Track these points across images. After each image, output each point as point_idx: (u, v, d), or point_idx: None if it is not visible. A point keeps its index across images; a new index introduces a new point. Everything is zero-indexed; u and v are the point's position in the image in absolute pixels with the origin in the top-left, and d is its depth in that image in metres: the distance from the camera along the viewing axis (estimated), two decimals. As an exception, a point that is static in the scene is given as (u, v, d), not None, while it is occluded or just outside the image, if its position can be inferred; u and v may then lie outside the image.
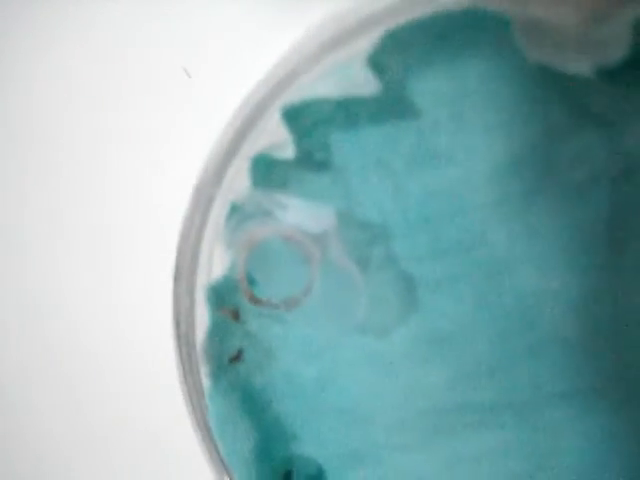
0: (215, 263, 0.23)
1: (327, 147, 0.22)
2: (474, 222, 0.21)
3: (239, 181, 0.22)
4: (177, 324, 0.23)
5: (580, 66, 0.19)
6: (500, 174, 0.21)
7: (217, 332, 0.23)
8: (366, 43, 0.20)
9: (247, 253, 0.21)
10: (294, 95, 0.21)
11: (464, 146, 0.21)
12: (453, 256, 0.22)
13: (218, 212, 0.22)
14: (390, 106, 0.21)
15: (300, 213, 0.21)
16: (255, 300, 0.21)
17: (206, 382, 0.23)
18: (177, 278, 0.23)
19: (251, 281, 0.22)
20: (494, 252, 0.21)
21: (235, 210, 0.22)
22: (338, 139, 0.22)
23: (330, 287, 0.21)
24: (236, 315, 0.23)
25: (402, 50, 0.20)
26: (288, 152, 0.21)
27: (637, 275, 0.21)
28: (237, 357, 0.23)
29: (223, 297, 0.23)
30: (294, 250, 0.21)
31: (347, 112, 0.21)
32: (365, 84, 0.20)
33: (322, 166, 0.22)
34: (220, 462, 0.23)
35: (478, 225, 0.21)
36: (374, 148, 0.22)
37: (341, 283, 0.21)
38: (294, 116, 0.21)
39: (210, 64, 0.23)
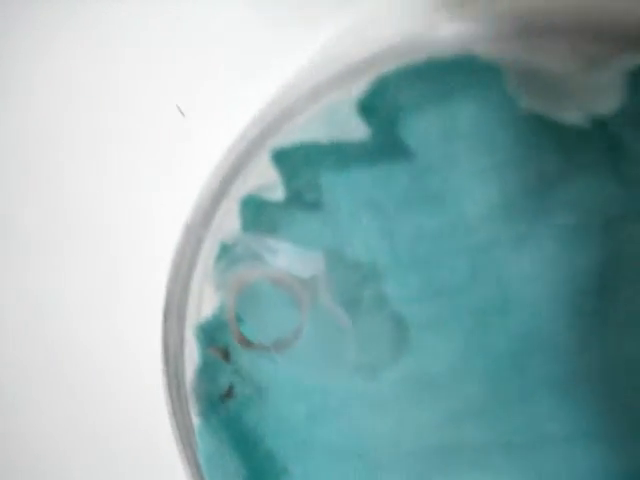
0: (204, 302, 0.23)
1: (317, 187, 0.22)
2: (466, 264, 0.21)
3: (229, 222, 0.22)
4: (167, 362, 0.23)
5: (574, 115, 0.19)
6: (492, 217, 0.21)
7: (207, 370, 0.23)
8: (356, 87, 0.20)
9: (236, 294, 0.21)
10: (284, 138, 0.20)
11: (456, 188, 0.21)
12: (444, 298, 0.22)
13: (208, 252, 0.22)
14: (381, 148, 0.21)
15: (289, 258, 0.21)
16: (245, 342, 0.21)
17: (196, 420, 0.23)
18: (167, 316, 0.23)
19: (240, 322, 0.22)
20: (485, 295, 0.21)
21: (225, 251, 0.22)
22: (328, 180, 0.22)
23: (320, 330, 0.21)
24: (226, 354, 0.22)
25: (393, 94, 0.20)
26: (278, 193, 0.21)
27: (628, 322, 0.20)
28: (228, 394, 0.23)
29: (212, 336, 0.23)
30: (283, 293, 0.21)
31: (337, 155, 0.21)
32: (355, 129, 0.20)
33: (312, 207, 0.22)
34: (210, 499, 0.23)
35: (469, 267, 0.21)
36: (365, 189, 0.21)
37: (331, 326, 0.21)
38: (284, 158, 0.21)
39: (203, 103, 0.23)
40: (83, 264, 0.25)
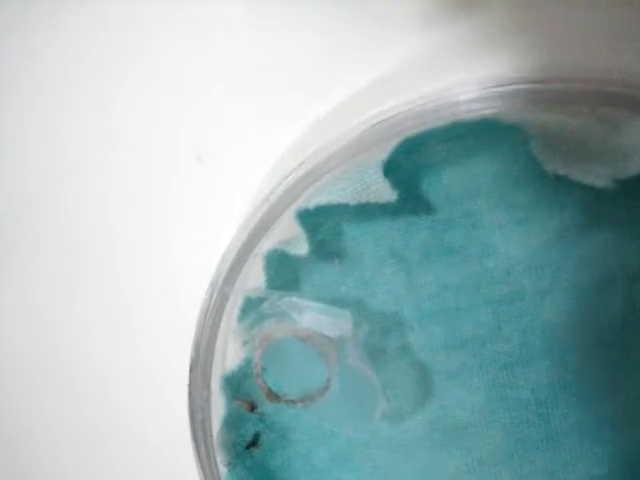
0: (230, 355, 0.23)
1: (340, 240, 0.22)
2: (489, 316, 0.22)
3: (254, 277, 0.22)
4: (193, 413, 0.23)
5: (597, 177, 0.19)
6: (515, 270, 0.21)
7: (233, 421, 0.23)
8: (382, 149, 0.20)
9: (262, 350, 0.22)
10: (309, 199, 0.21)
11: (479, 242, 0.21)
12: (468, 348, 0.22)
13: (233, 306, 0.22)
14: (405, 203, 0.21)
15: (317, 317, 0.21)
16: (272, 396, 0.22)
17: (223, 470, 0.23)
18: (193, 368, 0.23)
19: (267, 375, 0.22)
20: (509, 345, 0.22)
21: (249, 305, 0.22)
22: (351, 232, 0.22)
23: (347, 385, 0.22)
24: (252, 405, 0.23)
25: (418, 155, 0.20)
26: (302, 248, 0.21)
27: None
28: (253, 443, 0.23)
29: (238, 388, 0.23)
30: (310, 349, 0.21)
31: (361, 211, 0.21)
32: (381, 191, 0.20)
33: (336, 259, 0.22)
34: None
35: (493, 319, 0.21)
36: (388, 241, 0.22)
37: (358, 381, 0.22)
38: (308, 217, 0.21)
39: (227, 165, 0.23)
40: (112, 319, 0.25)
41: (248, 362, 0.23)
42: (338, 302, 0.22)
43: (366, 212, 0.21)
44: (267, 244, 0.22)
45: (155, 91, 0.23)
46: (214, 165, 0.23)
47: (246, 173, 0.23)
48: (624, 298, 0.21)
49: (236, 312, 0.22)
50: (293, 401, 0.22)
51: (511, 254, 0.21)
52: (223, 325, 0.22)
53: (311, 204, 0.21)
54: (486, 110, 0.19)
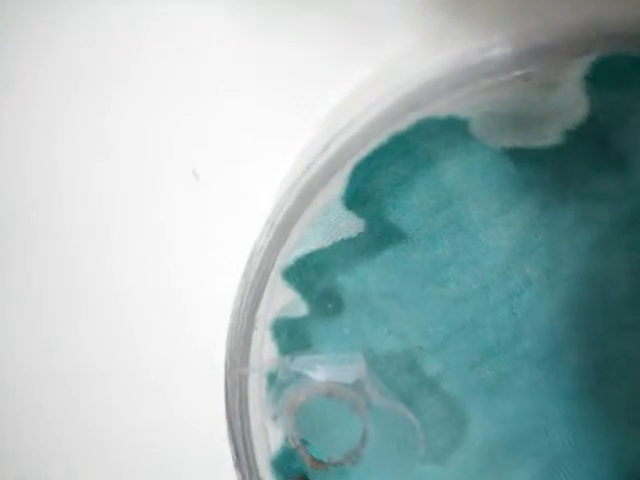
0: (270, 437, 0.22)
1: (334, 293, 0.22)
2: (506, 316, 0.21)
3: (266, 351, 0.22)
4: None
5: (546, 137, 0.19)
6: (514, 261, 0.20)
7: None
8: (338, 183, 0.20)
9: (294, 419, 0.21)
10: (288, 255, 0.21)
11: (468, 247, 0.21)
12: (497, 357, 0.21)
13: (257, 387, 0.22)
14: (378, 237, 0.21)
15: (329, 368, 0.20)
16: (317, 464, 0.21)
17: None
18: (238, 464, 0.22)
19: (308, 445, 0.21)
20: (536, 339, 0.21)
21: (272, 380, 0.22)
22: (342, 283, 0.22)
23: (383, 427, 0.21)
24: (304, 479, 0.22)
25: (372, 180, 0.20)
26: (301, 309, 0.21)
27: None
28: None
29: (287, 469, 0.22)
30: (338, 403, 0.21)
31: (342, 256, 0.21)
32: (349, 225, 0.20)
33: (335, 312, 0.22)
34: None
35: (511, 317, 0.21)
36: (377, 280, 0.21)
37: (393, 422, 0.21)
38: (294, 276, 0.21)
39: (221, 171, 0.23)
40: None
41: (288, 440, 0.22)
42: (350, 351, 0.21)
43: (347, 255, 0.21)
44: (269, 315, 0.22)
45: (150, 103, 0.23)
46: (211, 182, 0.23)
47: (244, 191, 0.22)
48: (625, 252, 0.20)
49: (262, 390, 0.22)
50: (340, 462, 0.21)
51: (504, 247, 0.20)
52: (253, 408, 0.22)
53: (291, 260, 0.21)
54: (418, 112, 0.19)
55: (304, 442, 0.21)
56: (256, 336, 0.22)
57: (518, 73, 0.19)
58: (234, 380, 0.22)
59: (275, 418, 0.22)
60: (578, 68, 0.18)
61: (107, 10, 0.22)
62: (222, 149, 0.22)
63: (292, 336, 0.22)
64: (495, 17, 0.19)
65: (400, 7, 0.20)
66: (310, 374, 0.21)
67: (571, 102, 0.18)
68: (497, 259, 0.21)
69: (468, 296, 0.21)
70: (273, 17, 0.21)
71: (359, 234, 0.20)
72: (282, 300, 0.22)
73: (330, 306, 0.22)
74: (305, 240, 0.21)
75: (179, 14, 0.22)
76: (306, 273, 0.21)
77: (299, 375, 0.21)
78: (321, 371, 0.20)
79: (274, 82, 0.22)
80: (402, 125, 0.19)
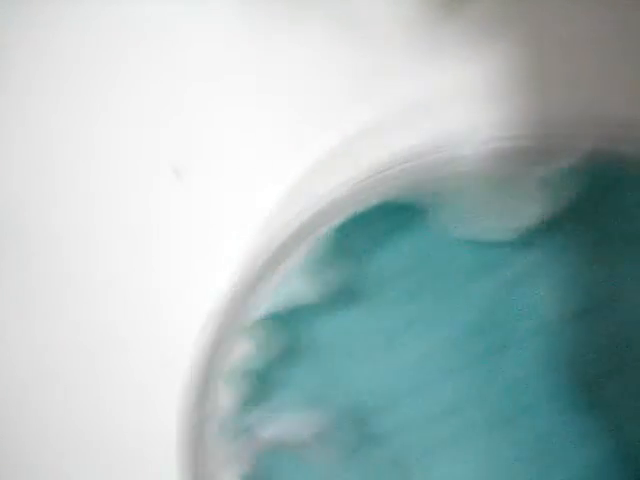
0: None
1: (292, 347, 0.22)
2: (459, 385, 0.22)
3: (222, 398, 0.23)
4: None
5: (502, 233, 0.19)
6: (471, 336, 0.21)
7: None
8: (300, 255, 0.21)
9: (255, 471, 0.22)
10: (252, 313, 0.21)
11: (425, 316, 0.21)
12: (441, 422, 0.22)
13: (212, 432, 0.23)
14: (336, 299, 0.21)
15: (285, 425, 0.21)
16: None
17: None
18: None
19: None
20: (488, 408, 0.21)
21: (225, 429, 0.23)
22: (301, 336, 0.22)
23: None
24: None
25: (334, 250, 0.21)
26: (259, 361, 0.22)
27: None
28: None
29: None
30: (298, 458, 0.22)
31: (301, 314, 0.22)
32: (308, 293, 0.21)
33: (292, 365, 0.23)
34: None
35: (463, 389, 0.21)
36: (335, 338, 0.22)
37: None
38: (256, 329, 0.22)
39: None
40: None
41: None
42: (305, 404, 0.22)
43: (305, 314, 0.22)
44: (226, 363, 0.23)
45: (132, 97, 0.23)
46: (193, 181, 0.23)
47: (228, 193, 0.23)
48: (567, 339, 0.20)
49: (215, 438, 0.23)
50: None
51: (461, 319, 0.21)
52: (208, 452, 0.23)
53: (256, 317, 0.22)
54: (377, 196, 0.20)
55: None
56: (212, 384, 0.23)
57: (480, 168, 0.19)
58: (189, 426, 0.23)
59: (228, 463, 0.22)
60: (536, 171, 0.19)
61: (98, 12, 0.22)
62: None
63: (248, 386, 0.23)
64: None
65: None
66: (262, 430, 0.21)
67: (527, 202, 0.19)
68: (453, 331, 0.21)
69: (421, 362, 0.22)
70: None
71: (318, 302, 0.21)
72: (241, 350, 0.22)
73: (287, 358, 0.22)
74: (269, 299, 0.21)
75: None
76: (267, 327, 0.22)
77: (252, 427, 0.22)
78: (274, 427, 0.21)
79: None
80: (361, 206, 0.20)
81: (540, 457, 0.21)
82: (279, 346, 0.23)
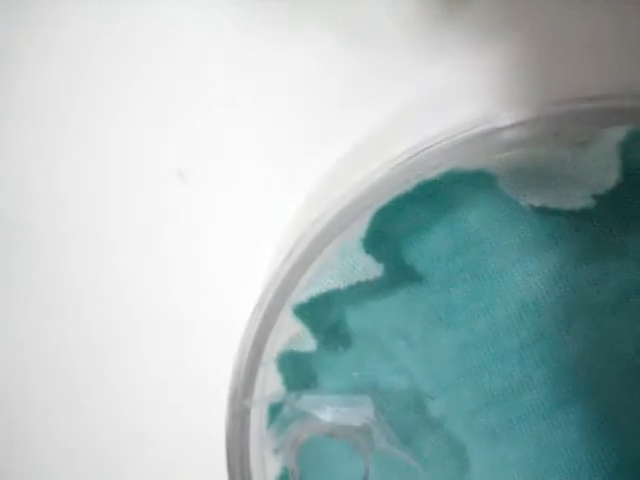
0: (268, 470, 0.22)
1: (343, 329, 0.21)
2: (516, 365, 0.21)
3: (270, 384, 0.22)
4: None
5: (575, 199, 0.19)
6: (528, 314, 0.20)
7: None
8: (358, 226, 0.20)
9: (295, 455, 0.21)
10: (302, 293, 0.20)
11: (482, 294, 0.21)
12: (502, 403, 0.21)
13: (258, 419, 0.22)
14: (393, 278, 0.20)
15: (337, 410, 0.20)
16: (315, 501, 0.21)
17: None
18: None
19: (306, 481, 0.21)
20: (544, 390, 0.21)
21: (273, 412, 0.22)
22: (352, 319, 0.21)
23: (384, 472, 0.21)
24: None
25: (393, 224, 0.20)
26: (309, 344, 0.21)
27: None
28: None
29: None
30: (341, 443, 0.21)
31: (355, 295, 0.21)
32: (367, 268, 0.20)
33: (343, 347, 0.22)
34: None
35: (520, 367, 0.21)
36: (388, 319, 0.21)
37: (394, 466, 0.21)
38: (306, 312, 0.21)
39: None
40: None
41: (285, 471, 0.22)
42: (356, 389, 0.21)
43: (360, 294, 0.21)
44: (275, 348, 0.22)
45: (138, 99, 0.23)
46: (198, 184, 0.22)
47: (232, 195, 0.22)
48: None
49: (263, 422, 0.22)
50: (339, 502, 0.21)
51: (519, 298, 0.20)
52: (253, 440, 0.22)
53: (305, 297, 0.21)
54: (449, 162, 0.19)
55: (303, 477, 0.21)
56: (262, 368, 0.22)
57: (551, 132, 0.18)
58: (236, 411, 0.21)
59: (276, 452, 0.21)
60: (613, 134, 0.18)
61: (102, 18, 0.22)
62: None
63: (298, 370, 0.22)
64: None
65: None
66: (317, 414, 0.20)
67: (604, 167, 0.18)
68: (511, 309, 0.20)
69: (478, 343, 0.21)
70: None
71: (375, 277, 0.20)
72: (290, 334, 0.21)
73: (338, 342, 0.21)
74: (320, 280, 0.20)
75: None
76: (317, 310, 0.21)
77: (304, 414, 0.21)
78: (328, 412, 0.20)
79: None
80: (432, 173, 0.19)
81: (604, 436, 0.21)
82: (329, 329, 0.22)
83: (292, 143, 0.22)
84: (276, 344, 0.22)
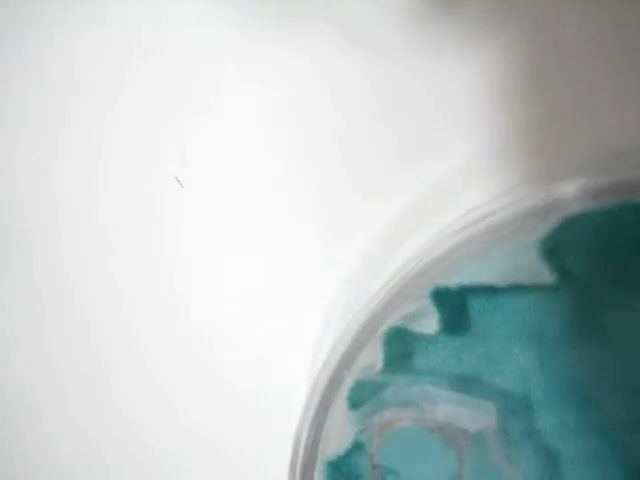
0: (335, 440, 0.20)
1: (467, 312, 0.19)
2: (630, 405, 0.19)
3: (369, 356, 0.20)
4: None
5: None
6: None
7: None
8: (537, 229, 0.18)
9: (381, 439, 0.19)
10: (448, 276, 0.18)
11: (625, 324, 0.19)
12: (603, 436, 0.20)
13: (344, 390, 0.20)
14: (563, 285, 0.19)
15: (453, 409, 0.18)
16: (390, 492, 0.19)
17: None
18: (296, 452, 0.20)
19: (384, 468, 0.20)
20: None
21: (364, 388, 0.20)
22: (479, 304, 0.19)
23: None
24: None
25: (580, 238, 0.18)
26: (430, 326, 0.19)
27: None
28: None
29: (346, 475, 0.20)
30: (437, 441, 0.19)
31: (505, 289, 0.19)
32: (538, 273, 0.18)
33: (460, 333, 0.20)
34: None
35: (635, 408, 0.19)
36: (519, 316, 0.19)
37: (491, 476, 0.19)
38: (446, 297, 0.18)
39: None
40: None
41: (358, 447, 0.20)
42: (460, 379, 0.19)
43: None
44: (389, 320, 0.19)
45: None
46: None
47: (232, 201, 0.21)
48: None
49: (347, 396, 0.20)
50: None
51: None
52: (333, 411, 0.20)
53: (452, 283, 0.18)
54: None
55: (382, 464, 0.19)
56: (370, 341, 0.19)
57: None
58: (329, 377, 0.19)
59: (360, 432, 0.19)
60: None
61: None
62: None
63: (402, 350, 0.20)
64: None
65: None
66: (426, 407, 0.19)
67: None
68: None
69: (598, 372, 0.20)
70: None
71: (544, 285, 0.18)
72: (411, 309, 0.19)
73: (457, 329, 0.19)
74: (475, 270, 0.18)
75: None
76: (458, 300, 0.19)
77: (409, 401, 0.19)
78: (442, 409, 0.18)
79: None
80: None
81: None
82: (451, 311, 0.19)
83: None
84: (390, 318, 0.19)
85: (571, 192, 0.17)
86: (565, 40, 0.20)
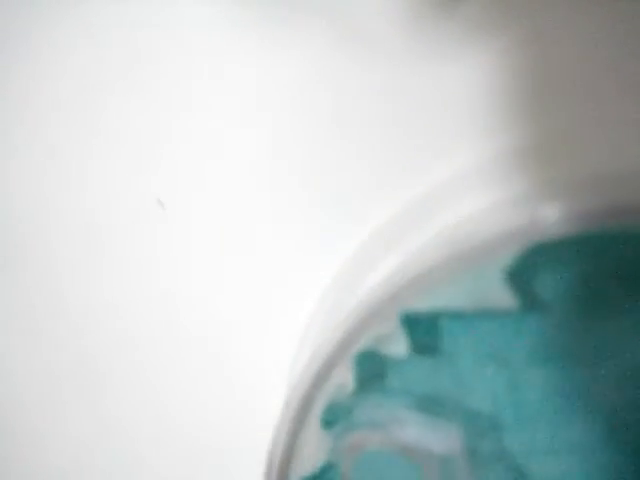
0: (308, 459, 0.21)
1: (437, 335, 0.20)
2: (601, 424, 0.20)
3: (342, 377, 0.20)
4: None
5: None
6: (633, 378, 0.19)
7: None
8: (503, 254, 0.18)
9: (352, 461, 0.19)
10: (415, 300, 0.18)
11: (596, 344, 0.19)
12: (573, 455, 0.20)
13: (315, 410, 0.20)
14: (525, 309, 0.19)
15: (421, 432, 0.19)
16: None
17: None
18: (269, 470, 0.21)
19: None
20: (623, 457, 0.20)
21: (335, 409, 0.20)
22: (450, 328, 0.20)
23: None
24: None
25: (550, 264, 0.18)
26: (399, 348, 0.19)
27: None
28: None
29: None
30: (407, 463, 0.19)
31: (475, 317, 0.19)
32: (501, 298, 0.18)
33: (430, 354, 0.20)
34: None
35: (605, 428, 0.20)
36: (490, 339, 0.20)
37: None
38: (414, 321, 0.19)
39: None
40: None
41: (331, 467, 0.20)
42: (430, 401, 0.20)
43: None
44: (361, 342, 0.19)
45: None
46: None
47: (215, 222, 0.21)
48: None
49: (320, 415, 0.20)
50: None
51: (633, 361, 0.19)
52: (306, 430, 0.20)
53: (422, 306, 0.19)
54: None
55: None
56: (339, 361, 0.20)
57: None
58: (301, 396, 0.20)
59: (333, 452, 0.20)
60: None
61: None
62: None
63: (373, 370, 0.20)
64: None
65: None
66: (394, 429, 0.19)
67: None
68: (619, 367, 0.19)
69: (568, 393, 0.20)
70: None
71: (509, 311, 0.18)
72: (382, 331, 0.19)
73: (427, 350, 0.20)
74: (442, 294, 0.18)
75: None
76: (426, 323, 0.19)
77: (378, 423, 0.19)
78: (410, 431, 0.19)
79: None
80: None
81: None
82: (422, 333, 0.20)
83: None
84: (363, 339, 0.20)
85: (546, 217, 0.17)
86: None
